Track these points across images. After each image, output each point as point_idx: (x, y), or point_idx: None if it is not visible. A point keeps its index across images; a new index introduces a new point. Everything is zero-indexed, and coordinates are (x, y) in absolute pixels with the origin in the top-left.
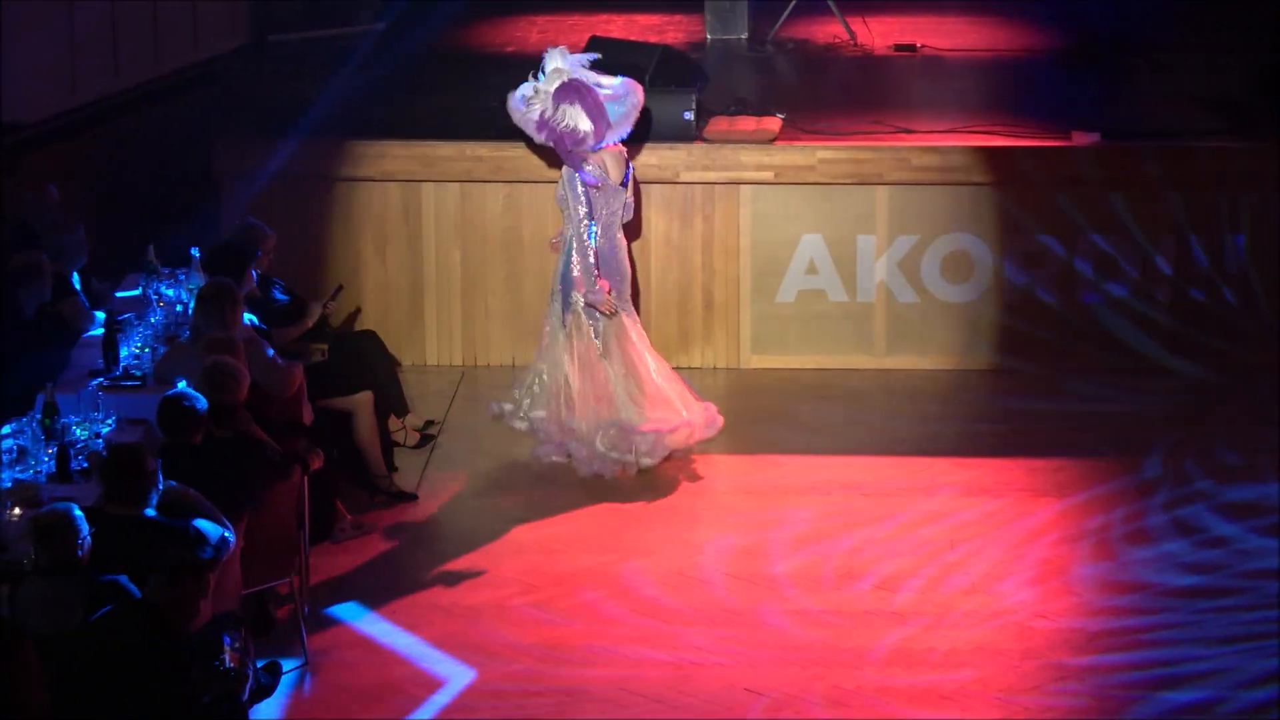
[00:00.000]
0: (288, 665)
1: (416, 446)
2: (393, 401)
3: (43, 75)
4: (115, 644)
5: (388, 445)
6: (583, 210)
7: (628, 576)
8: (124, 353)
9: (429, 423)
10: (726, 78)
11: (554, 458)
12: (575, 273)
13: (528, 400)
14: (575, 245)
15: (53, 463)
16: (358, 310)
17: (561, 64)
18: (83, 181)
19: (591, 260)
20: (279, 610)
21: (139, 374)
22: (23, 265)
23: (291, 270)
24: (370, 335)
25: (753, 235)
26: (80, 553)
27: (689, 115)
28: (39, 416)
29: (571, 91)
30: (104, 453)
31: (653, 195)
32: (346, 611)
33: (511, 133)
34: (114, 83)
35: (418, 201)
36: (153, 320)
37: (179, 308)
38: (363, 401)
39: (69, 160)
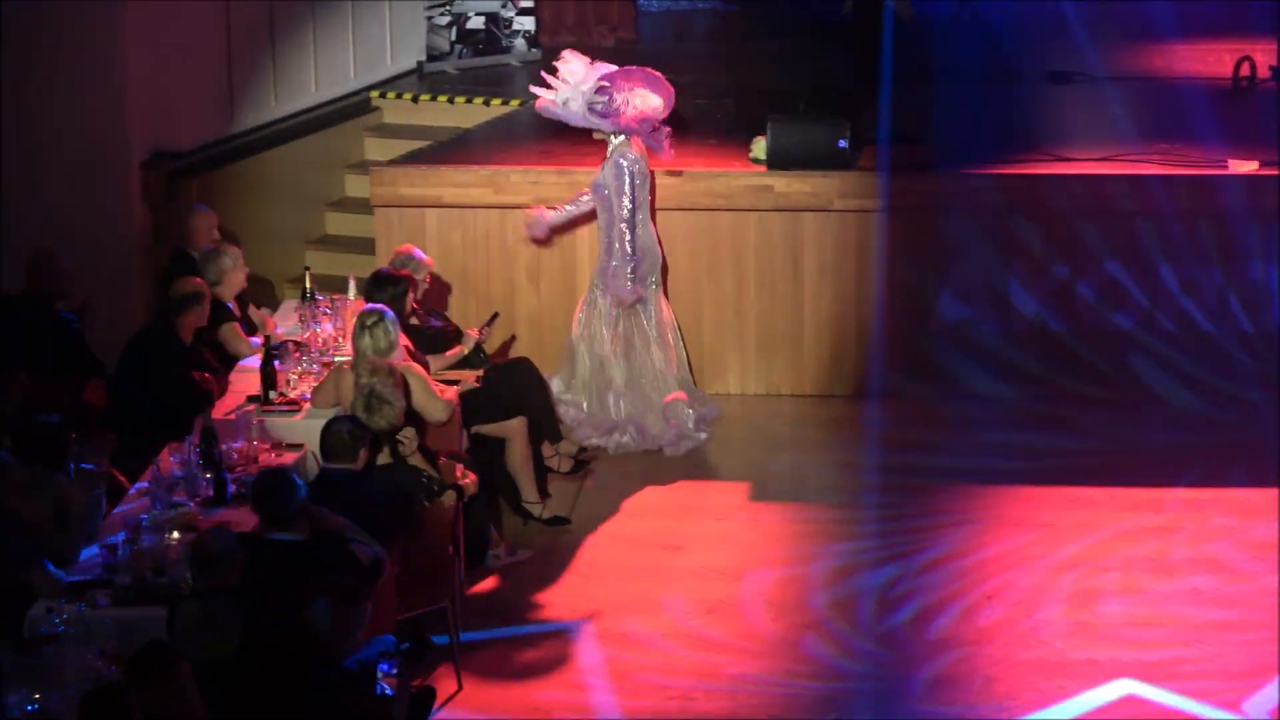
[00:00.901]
0: (442, 691)
1: (569, 473)
2: (546, 428)
3: (202, 104)
4: (272, 668)
5: (541, 472)
6: (627, 202)
7: (782, 603)
8: (281, 378)
9: (582, 449)
10: (882, 106)
11: (593, 440)
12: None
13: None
14: (615, 239)
15: (210, 488)
16: (512, 337)
17: (579, 64)
18: (240, 209)
19: (631, 255)
20: (433, 636)
21: (296, 400)
22: (182, 292)
23: (447, 297)
24: (524, 362)
25: (908, 261)
26: (236, 577)
27: (844, 143)
28: (197, 442)
29: (626, 76)
30: (257, 480)
31: (806, 222)
32: (500, 637)
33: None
34: (271, 111)
35: (571, 228)
36: (310, 347)
37: (335, 334)
38: (516, 428)
39: (227, 188)
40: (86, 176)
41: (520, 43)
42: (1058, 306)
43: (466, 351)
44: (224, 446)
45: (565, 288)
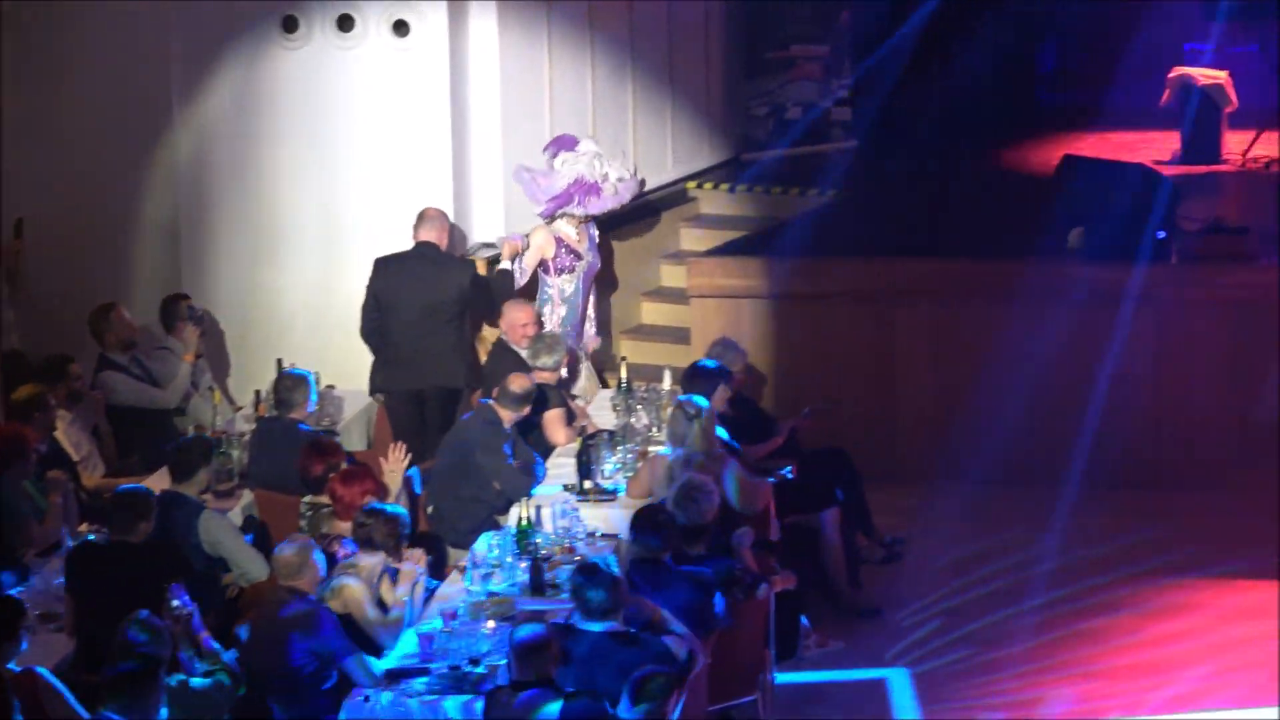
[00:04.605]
0: None
1: (882, 563)
2: (859, 519)
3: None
4: None
5: (854, 562)
6: None
7: (1093, 697)
8: (597, 468)
9: (894, 540)
10: (1202, 196)
11: None
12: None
13: None
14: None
15: (527, 576)
16: (825, 428)
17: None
18: None
19: None
20: None
21: (611, 489)
22: (522, 389)
23: (761, 388)
24: (838, 453)
25: (1230, 351)
26: (553, 667)
27: (1163, 234)
28: (514, 530)
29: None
30: (576, 570)
31: (1123, 312)
32: None
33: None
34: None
35: (891, 320)
36: (625, 437)
37: (651, 424)
38: (830, 519)
39: None
40: None
41: (837, 133)
42: None
43: (781, 442)
44: (540, 535)
45: (880, 379)
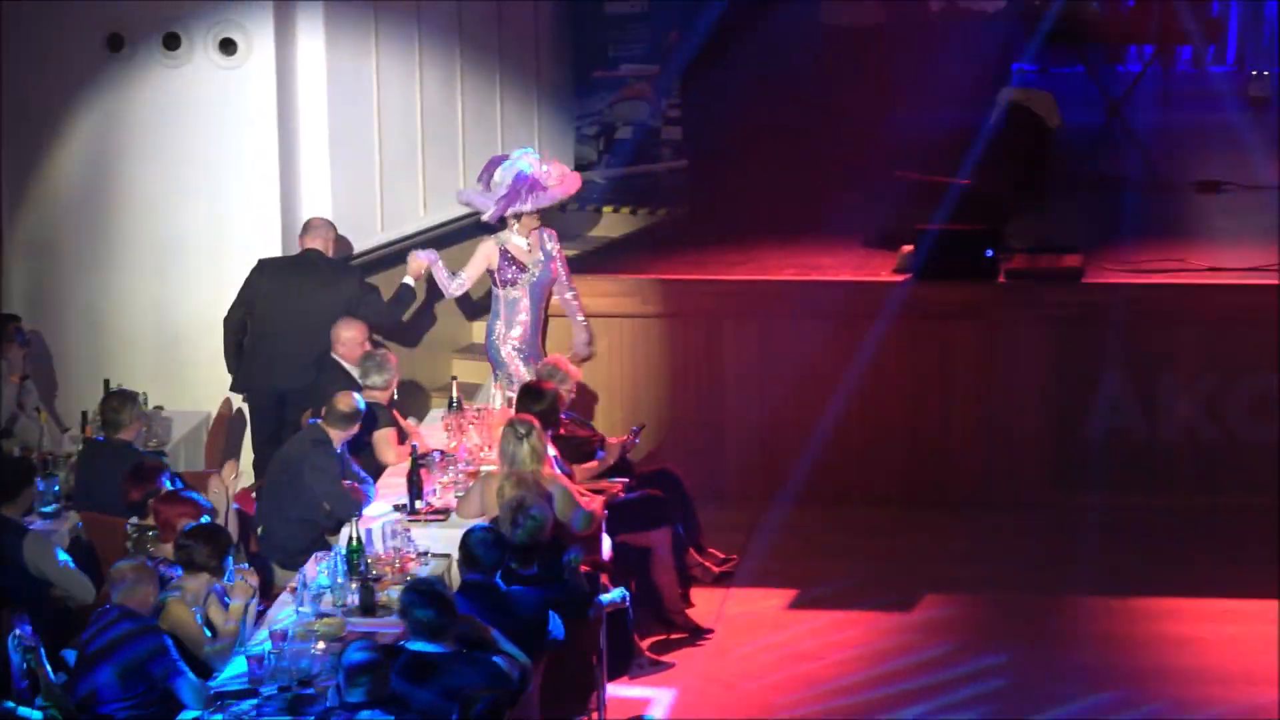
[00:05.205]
0: None
1: (713, 582)
2: (690, 537)
3: (354, 213)
4: None
5: (685, 580)
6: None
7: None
8: (428, 488)
9: (726, 559)
10: (1029, 215)
11: None
12: None
13: None
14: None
15: (357, 597)
16: (657, 447)
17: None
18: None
19: None
20: None
21: (442, 509)
22: (348, 408)
23: (593, 406)
24: (668, 473)
25: (1057, 369)
26: (382, 689)
27: (990, 252)
28: (344, 551)
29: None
30: (406, 590)
31: (953, 331)
32: None
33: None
34: (420, 220)
35: (720, 339)
36: (456, 456)
37: (482, 444)
38: (660, 538)
39: None
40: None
41: (667, 153)
42: (1208, 417)
43: (612, 461)
44: (370, 556)
45: (711, 398)
